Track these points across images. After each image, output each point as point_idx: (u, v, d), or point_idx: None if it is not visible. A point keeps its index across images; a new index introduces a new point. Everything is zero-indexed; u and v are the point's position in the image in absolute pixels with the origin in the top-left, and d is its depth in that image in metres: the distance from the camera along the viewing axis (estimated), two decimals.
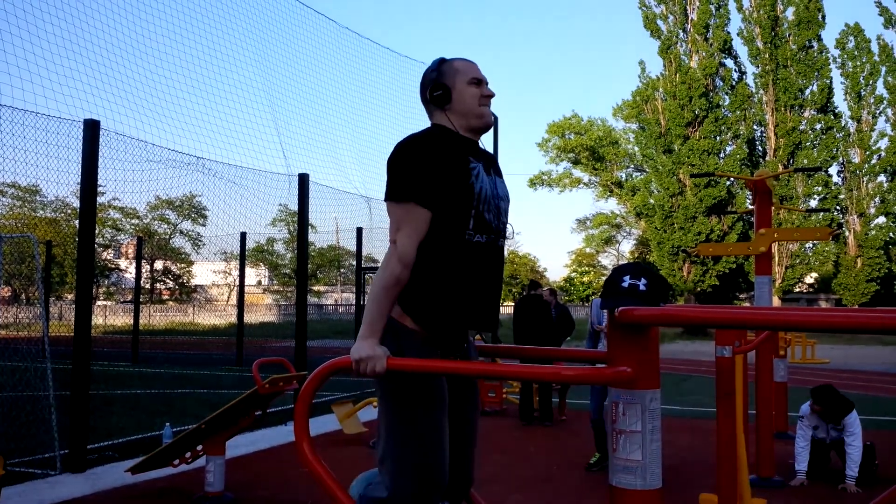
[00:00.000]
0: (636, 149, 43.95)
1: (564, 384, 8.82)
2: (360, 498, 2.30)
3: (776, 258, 34.83)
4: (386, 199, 2.30)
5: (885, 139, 36.81)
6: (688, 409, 9.63)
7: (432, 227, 2.25)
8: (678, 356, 19.66)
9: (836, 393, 5.70)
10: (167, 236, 43.01)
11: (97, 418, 7.49)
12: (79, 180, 6.00)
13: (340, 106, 11.88)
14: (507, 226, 2.46)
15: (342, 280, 48.43)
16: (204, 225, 37.78)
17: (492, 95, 2.42)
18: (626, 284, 1.93)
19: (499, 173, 2.49)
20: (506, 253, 2.47)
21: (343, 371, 2.18)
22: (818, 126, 35.41)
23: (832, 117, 35.95)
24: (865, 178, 36.82)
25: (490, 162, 2.45)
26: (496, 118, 14.87)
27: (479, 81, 2.41)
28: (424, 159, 2.24)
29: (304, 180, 8.65)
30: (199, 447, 4.97)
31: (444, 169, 2.25)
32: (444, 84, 2.38)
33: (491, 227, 2.34)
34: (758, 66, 36.30)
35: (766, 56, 35.61)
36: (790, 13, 35.64)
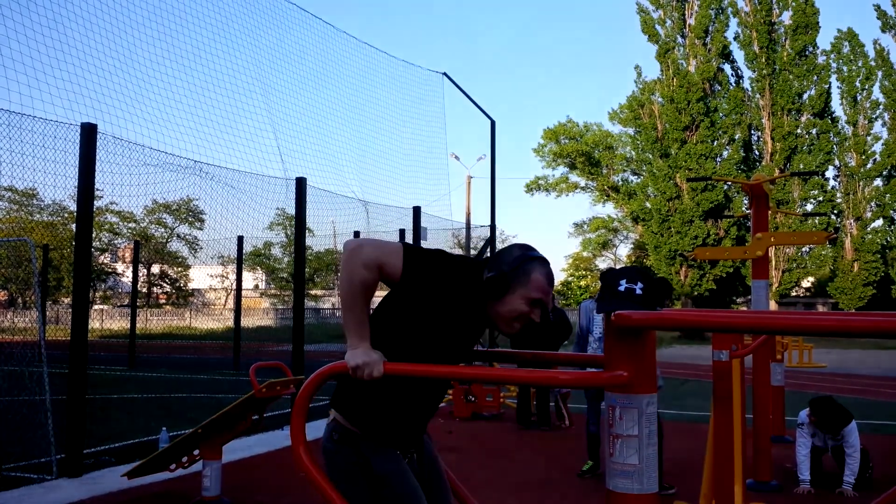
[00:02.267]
0: (633, 153, 44.05)
1: (563, 392, 8.80)
2: None
3: (773, 262, 34.89)
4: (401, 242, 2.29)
5: (881, 143, 36.96)
6: (685, 413, 9.63)
7: (396, 343, 2.24)
8: (675, 360, 19.66)
9: (835, 405, 5.63)
10: (164, 240, 42.96)
11: (94, 423, 7.47)
12: (76, 184, 6.00)
13: (338, 110, 11.90)
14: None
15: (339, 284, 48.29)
16: (201, 229, 37.74)
17: (531, 320, 2.27)
18: (622, 288, 1.94)
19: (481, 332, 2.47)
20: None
21: (340, 376, 2.18)
22: (814, 130, 35.51)
23: (829, 122, 36.07)
24: (862, 182, 36.92)
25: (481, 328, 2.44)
26: (493, 122, 14.89)
27: (535, 304, 2.24)
28: (446, 277, 2.22)
29: (301, 184, 8.64)
30: (196, 451, 4.96)
31: (447, 304, 2.23)
32: (508, 284, 2.21)
33: (452, 359, 2.36)
34: (754, 71, 36.42)
35: (763, 60, 35.73)
36: (786, 18, 35.76)
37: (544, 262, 2.26)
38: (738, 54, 39.49)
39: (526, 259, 2.23)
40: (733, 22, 36.98)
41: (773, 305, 35.15)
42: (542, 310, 2.25)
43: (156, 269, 42.54)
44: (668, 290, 2.03)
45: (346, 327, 2.17)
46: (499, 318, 2.25)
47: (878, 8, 36.94)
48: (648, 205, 37.16)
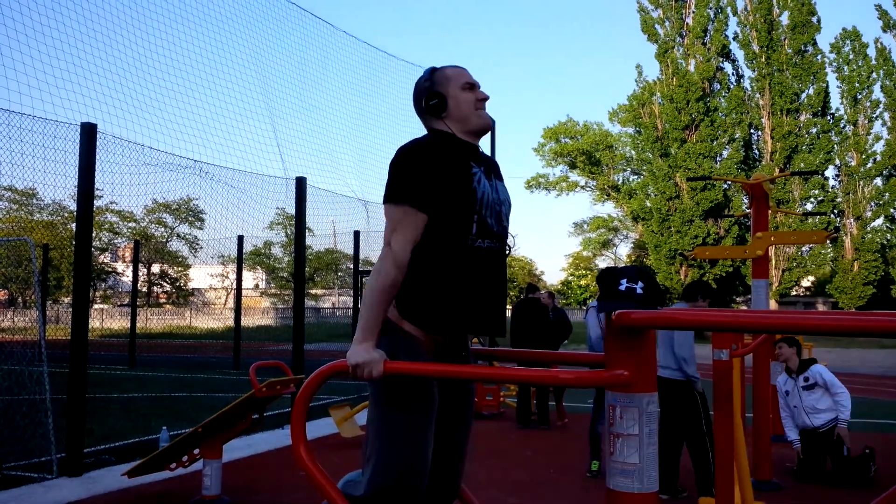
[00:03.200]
0: (633, 152, 44.04)
1: (559, 387, 8.81)
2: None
3: (773, 261, 34.88)
4: (384, 202, 2.30)
5: (882, 142, 36.95)
6: None
7: (435, 233, 2.26)
8: None
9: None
10: (164, 240, 42.95)
11: (94, 422, 7.48)
12: (76, 184, 5.99)
13: (338, 109, 11.89)
14: (509, 232, 2.47)
15: (339, 283, 48.41)
16: (201, 228, 37.73)
17: (486, 98, 2.45)
18: (623, 287, 1.94)
19: (500, 177, 2.51)
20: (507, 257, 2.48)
21: (340, 375, 2.18)
22: (814, 129, 35.50)
23: (829, 121, 36.06)
24: (862, 182, 36.91)
25: (491, 166, 2.46)
26: (493, 122, 14.90)
27: (472, 86, 2.43)
28: (425, 164, 2.26)
29: (301, 184, 8.64)
30: (196, 451, 4.96)
31: (446, 174, 2.27)
32: (439, 92, 2.39)
33: (493, 231, 2.35)
34: (754, 70, 36.40)
35: (763, 60, 35.71)
36: (785, 17, 35.74)
37: (440, 67, 2.46)
38: (739, 53, 39.49)
39: (429, 73, 2.45)
40: (733, 21, 37.04)
41: (773, 305, 35.13)
42: (477, 86, 2.44)
43: (156, 268, 42.55)
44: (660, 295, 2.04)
45: (360, 320, 2.20)
46: (466, 120, 2.39)
47: (879, 7, 36.94)
48: (648, 204, 37.15)
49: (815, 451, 5.81)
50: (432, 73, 2.45)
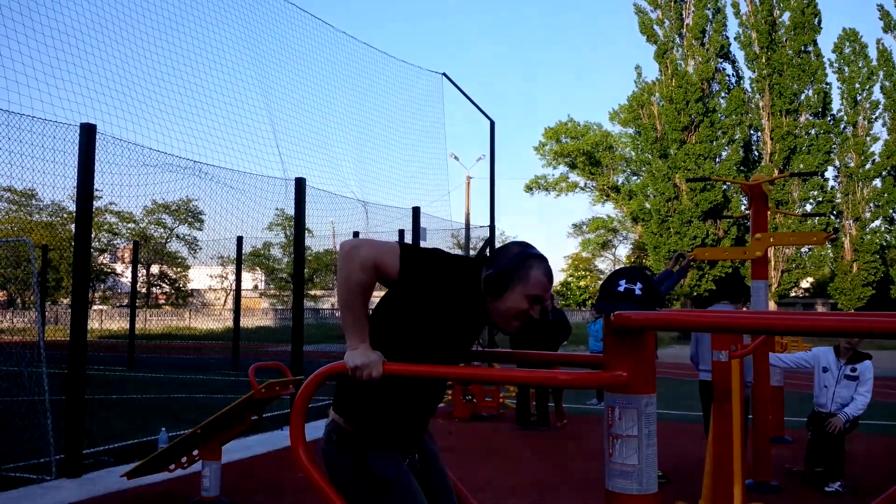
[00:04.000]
0: (632, 153, 44.04)
1: (558, 388, 8.80)
2: None
3: (772, 262, 34.90)
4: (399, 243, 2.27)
5: (880, 143, 36.99)
6: (684, 413, 9.63)
7: (394, 343, 2.23)
8: (673, 360, 19.65)
9: None
10: (163, 240, 42.94)
11: (93, 423, 7.47)
12: (75, 184, 5.99)
13: (337, 110, 11.89)
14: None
15: None
16: (200, 229, 37.71)
17: (532, 317, 2.28)
18: (621, 288, 1.94)
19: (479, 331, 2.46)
20: None
21: (339, 376, 2.18)
22: (813, 130, 35.52)
23: (829, 122, 36.08)
24: (861, 183, 36.93)
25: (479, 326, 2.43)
26: (493, 122, 14.88)
27: (535, 300, 2.24)
28: (443, 278, 2.21)
29: (300, 184, 8.64)
30: (195, 452, 4.95)
31: (445, 306, 2.23)
32: (508, 282, 2.20)
33: (449, 359, 2.35)
34: (754, 71, 36.41)
35: (763, 60, 35.73)
36: (787, 18, 35.75)
37: (543, 260, 2.25)
38: (739, 54, 39.54)
39: (525, 256, 2.23)
40: (734, 22, 37.06)
41: (772, 306, 35.16)
42: (541, 307, 2.25)
43: (155, 269, 42.51)
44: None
45: (344, 327, 2.17)
46: (498, 315, 2.24)
47: (881, 8, 36.96)
48: (648, 205, 37.16)
49: (824, 434, 5.71)
50: (526, 259, 2.23)
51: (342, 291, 2.17)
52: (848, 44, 37.38)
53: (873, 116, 36.99)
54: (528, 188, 55.41)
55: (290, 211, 8.89)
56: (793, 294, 40.92)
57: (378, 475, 2.23)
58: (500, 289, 2.20)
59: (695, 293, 35.03)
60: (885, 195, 36.64)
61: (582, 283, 60.79)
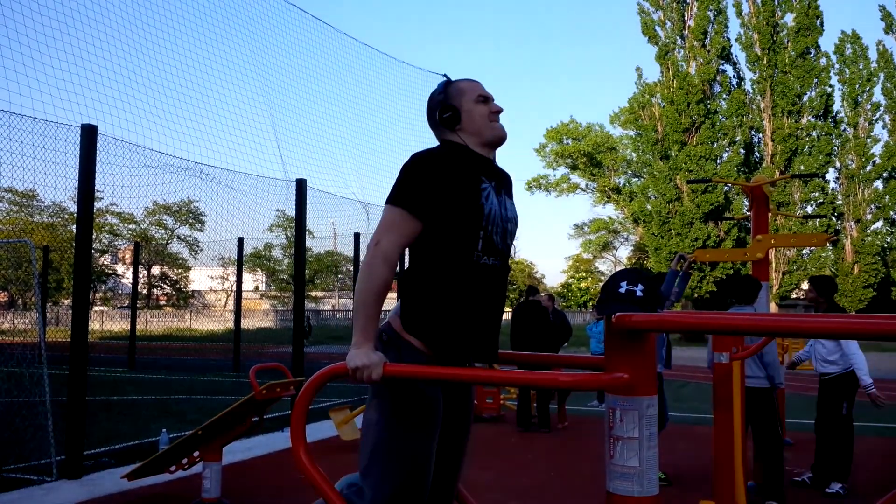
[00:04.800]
0: (633, 155, 44.04)
1: (563, 390, 8.80)
2: None
3: (773, 264, 34.86)
4: (385, 202, 2.31)
5: (880, 145, 36.96)
6: (685, 415, 9.62)
7: (440, 247, 2.26)
8: (675, 362, 19.66)
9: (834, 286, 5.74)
10: (164, 242, 42.99)
11: (94, 424, 7.47)
12: (76, 185, 5.99)
13: (338, 111, 11.90)
14: (512, 247, 2.47)
15: (340, 285, 48.41)
16: (201, 230, 37.80)
17: (500, 111, 2.45)
18: (623, 290, 1.93)
19: (510, 194, 2.50)
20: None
21: (340, 377, 2.18)
22: (815, 132, 35.51)
23: (831, 124, 36.06)
24: (862, 185, 36.91)
25: (503, 181, 2.46)
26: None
27: (486, 98, 2.43)
28: (432, 174, 2.26)
29: (301, 186, 8.64)
30: (196, 453, 4.95)
31: (454, 187, 2.26)
32: (452, 105, 2.39)
33: (497, 248, 2.35)
34: (756, 72, 36.40)
35: (765, 62, 35.71)
36: (789, 19, 35.74)
37: (453, 80, 2.46)
38: (741, 56, 39.48)
39: (443, 86, 2.45)
40: (736, 23, 37.02)
41: (773, 307, 35.13)
42: (490, 98, 2.44)
43: (156, 270, 42.54)
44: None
45: (355, 323, 2.18)
46: (480, 133, 2.39)
47: (882, 9, 36.94)
48: (649, 206, 37.15)
49: (829, 398, 5.66)
50: (446, 86, 2.45)
51: (363, 288, 2.20)
52: (849, 45, 37.37)
53: (874, 118, 36.97)
54: (529, 187, 55.40)
55: (291, 212, 8.90)
56: (794, 296, 40.89)
57: (404, 391, 2.22)
58: (455, 116, 2.38)
59: (696, 295, 35.00)
60: (886, 197, 36.60)
61: (583, 285, 60.80)
